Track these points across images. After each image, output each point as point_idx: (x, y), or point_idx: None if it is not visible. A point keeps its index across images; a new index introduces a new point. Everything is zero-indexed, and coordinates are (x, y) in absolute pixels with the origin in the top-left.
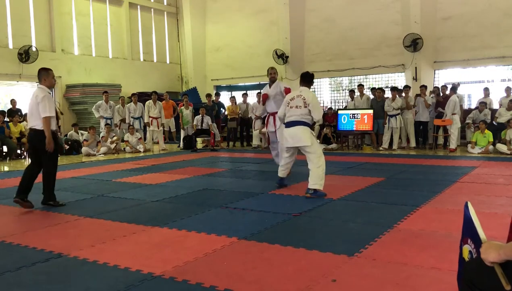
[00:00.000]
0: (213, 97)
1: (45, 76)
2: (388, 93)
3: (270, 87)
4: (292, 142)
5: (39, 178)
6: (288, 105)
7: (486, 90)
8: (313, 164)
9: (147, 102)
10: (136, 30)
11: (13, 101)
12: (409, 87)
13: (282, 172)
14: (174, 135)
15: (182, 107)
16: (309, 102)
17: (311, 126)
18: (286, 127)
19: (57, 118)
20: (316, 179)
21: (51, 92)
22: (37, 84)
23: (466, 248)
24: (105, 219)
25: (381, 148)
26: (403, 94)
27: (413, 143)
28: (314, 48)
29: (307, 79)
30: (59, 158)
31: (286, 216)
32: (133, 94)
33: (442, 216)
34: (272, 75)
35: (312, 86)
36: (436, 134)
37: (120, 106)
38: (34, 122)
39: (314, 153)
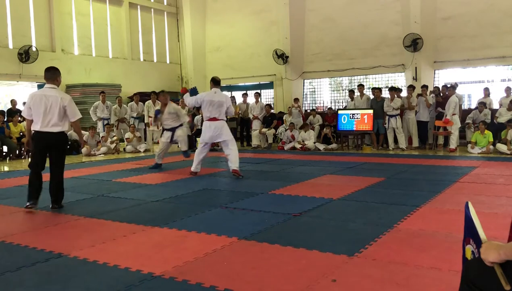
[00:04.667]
0: None
1: (58, 75)
2: (385, 94)
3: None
4: None
5: (45, 178)
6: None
7: (486, 90)
8: None
9: (146, 103)
10: (136, 30)
11: (13, 102)
12: (413, 87)
13: None
14: None
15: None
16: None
17: None
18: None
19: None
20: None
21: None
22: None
23: (469, 249)
24: (105, 219)
25: (390, 148)
26: (405, 94)
27: (416, 143)
28: (314, 48)
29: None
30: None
31: (286, 216)
32: (135, 94)
33: (442, 216)
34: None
35: (311, 86)
36: (437, 131)
37: (117, 106)
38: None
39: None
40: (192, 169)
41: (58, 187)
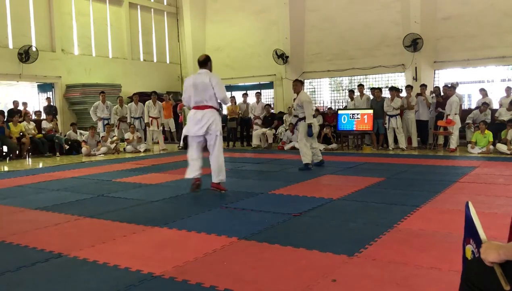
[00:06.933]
0: None
1: None
2: (386, 93)
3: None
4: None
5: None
6: None
7: (483, 90)
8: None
9: (146, 103)
10: (136, 30)
11: (15, 103)
12: (411, 87)
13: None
14: (175, 135)
15: (185, 107)
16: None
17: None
18: None
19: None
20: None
21: None
22: None
23: (469, 248)
24: (105, 219)
25: (390, 148)
26: (405, 94)
27: (415, 143)
28: (314, 48)
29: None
30: (59, 158)
31: (286, 216)
32: (134, 94)
33: (442, 216)
34: None
35: (311, 86)
36: (438, 131)
37: (118, 106)
38: None
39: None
40: (189, 175)
41: None
